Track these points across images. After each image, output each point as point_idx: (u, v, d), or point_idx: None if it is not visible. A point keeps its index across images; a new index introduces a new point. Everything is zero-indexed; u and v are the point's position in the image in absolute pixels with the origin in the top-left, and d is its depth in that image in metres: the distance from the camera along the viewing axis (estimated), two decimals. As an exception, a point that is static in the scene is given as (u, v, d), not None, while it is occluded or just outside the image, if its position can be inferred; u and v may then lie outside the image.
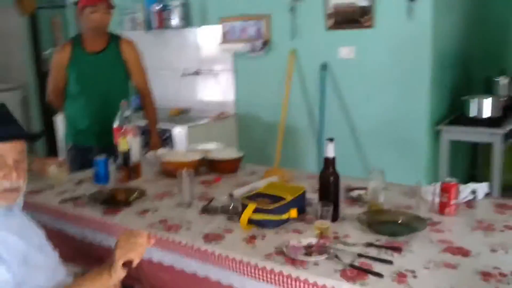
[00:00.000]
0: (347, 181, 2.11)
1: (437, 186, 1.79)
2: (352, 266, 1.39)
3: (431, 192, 1.83)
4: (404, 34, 3.12)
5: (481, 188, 1.91)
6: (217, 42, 3.98)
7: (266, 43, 3.69)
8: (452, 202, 1.74)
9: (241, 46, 3.79)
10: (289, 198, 1.74)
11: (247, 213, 1.66)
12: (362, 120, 3.42)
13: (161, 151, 2.62)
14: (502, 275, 1.32)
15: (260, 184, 1.97)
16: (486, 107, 3.33)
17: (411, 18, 3.06)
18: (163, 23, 4.19)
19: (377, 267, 1.39)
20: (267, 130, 3.86)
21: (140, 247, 1.37)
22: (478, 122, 3.30)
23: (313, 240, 1.54)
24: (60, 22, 5.80)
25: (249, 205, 1.68)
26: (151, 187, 2.17)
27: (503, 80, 3.75)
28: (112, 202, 1.97)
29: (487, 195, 1.93)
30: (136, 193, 2.03)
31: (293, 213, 1.71)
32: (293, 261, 1.43)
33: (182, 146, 3.52)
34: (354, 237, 1.60)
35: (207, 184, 2.22)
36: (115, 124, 2.31)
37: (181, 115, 4.18)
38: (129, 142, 2.30)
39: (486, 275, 1.32)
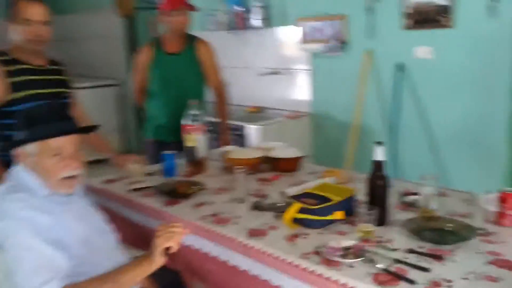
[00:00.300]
0: (406, 185, 2.08)
1: (496, 195, 1.70)
2: (386, 271, 1.39)
3: (490, 201, 1.75)
4: (485, 34, 2.95)
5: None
6: (295, 42, 4.03)
7: (343, 43, 3.67)
8: (509, 212, 1.65)
9: (318, 46, 3.80)
10: (336, 199, 1.75)
11: (291, 212, 1.70)
12: (438, 122, 3.29)
13: (228, 148, 2.73)
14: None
15: (313, 184, 2.00)
16: None
17: (493, 17, 2.89)
18: (244, 24, 4.31)
19: (413, 274, 1.37)
20: (341, 130, 3.83)
21: (176, 236, 1.48)
22: None
23: (352, 243, 1.55)
24: (155, 22, 6.17)
25: (294, 204, 1.72)
26: (212, 182, 2.28)
27: None
28: (174, 194, 2.10)
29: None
30: (196, 187, 2.15)
31: (339, 215, 1.73)
32: (328, 262, 1.46)
33: (254, 144, 3.61)
34: (397, 242, 1.58)
35: (264, 182, 2.28)
36: (184, 121, 2.46)
37: (258, 113, 4.29)
38: (195, 138, 2.43)
39: (529, 292, 1.25)
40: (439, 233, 1.61)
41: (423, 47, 3.25)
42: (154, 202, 2.06)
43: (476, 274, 1.35)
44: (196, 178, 2.36)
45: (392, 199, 1.93)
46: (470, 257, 1.46)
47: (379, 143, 1.71)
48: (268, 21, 4.19)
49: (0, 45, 2.31)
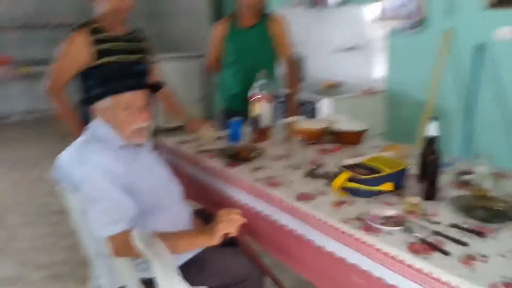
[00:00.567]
0: (469, 165, 2.04)
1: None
2: (423, 241, 1.42)
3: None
4: None
5: None
6: (373, 20, 3.97)
7: (421, 21, 3.56)
8: None
9: (396, 24, 3.72)
10: (386, 171, 1.78)
11: (340, 180, 1.77)
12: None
13: (294, 118, 2.81)
14: None
15: (368, 157, 2.03)
16: None
17: None
18: (324, 1, 4.31)
19: (449, 246, 1.39)
20: (416, 109, 3.75)
21: (236, 223, 1.60)
22: None
23: (395, 213, 1.59)
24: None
25: (343, 173, 1.78)
26: (273, 149, 2.38)
27: None
28: (235, 157, 2.24)
29: None
30: (256, 152, 2.27)
31: (388, 186, 1.76)
32: (367, 228, 1.51)
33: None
34: (442, 217, 1.59)
35: (325, 152, 2.35)
36: (252, 91, 2.57)
37: (333, 88, 4.30)
38: (261, 107, 2.53)
39: None
40: (487, 212, 1.60)
41: (507, 27, 3.08)
42: (216, 163, 2.20)
43: (515, 253, 1.35)
44: (259, 144, 2.47)
45: (449, 177, 1.95)
46: (515, 237, 1.45)
47: (434, 118, 1.71)
48: (348, -2, 4.16)
49: (89, 16, 2.55)
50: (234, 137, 2.55)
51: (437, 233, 1.47)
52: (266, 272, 1.82)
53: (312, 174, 2.00)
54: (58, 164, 1.79)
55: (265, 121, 2.56)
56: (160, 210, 1.79)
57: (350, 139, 2.46)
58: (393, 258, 1.38)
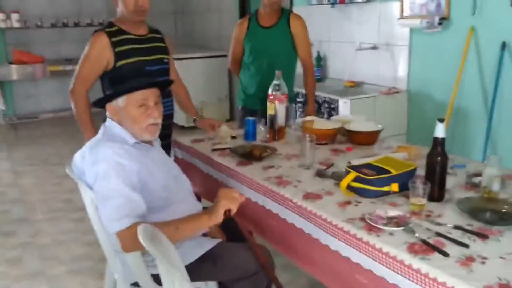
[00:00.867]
0: (479, 167, 2.03)
1: None
2: (423, 241, 1.43)
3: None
4: None
5: None
6: (395, 17, 3.94)
7: (444, 19, 3.52)
8: None
9: (418, 22, 3.69)
10: (394, 172, 1.79)
11: (347, 180, 1.79)
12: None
13: (308, 118, 2.83)
14: None
15: (378, 157, 2.04)
16: None
17: None
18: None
19: (450, 248, 1.40)
20: (438, 109, 3.71)
21: (235, 201, 1.67)
22: None
23: (399, 213, 1.60)
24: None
25: (350, 173, 1.80)
26: (286, 148, 2.41)
27: None
28: (248, 156, 2.27)
29: None
30: (269, 151, 2.30)
31: (394, 187, 1.77)
32: (370, 228, 1.53)
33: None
34: (447, 218, 1.60)
35: (337, 152, 2.36)
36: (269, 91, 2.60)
37: (354, 88, 4.29)
38: (276, 107, 2.57)
39: None
40: (493, 214, 1.60)
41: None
42: (229, 162, 2.25)
43: (516, 255, 1.34)
44: (273, 143, 2.50)
45: (459, 179, 1.94)
46: (518, 239, 1.44)
47: (441, 120, 1.71)
48: (371, -5, 4.14)
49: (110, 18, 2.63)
50: (249, 135, 2.59)
51: (439, 234, 1.47)
52: (266, 271, 1.85)
53: (321, 174, 2.03)
54: (73, 162, 1.87)
55: (280, 120, 2.60)
56: (170, 205, 1.85)
57: (363, 139, 2.47)
58: (393, 258, 1.40)
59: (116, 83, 1.79)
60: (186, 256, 1.85)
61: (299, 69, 3.29)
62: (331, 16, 4.65)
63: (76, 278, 2.85)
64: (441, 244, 1.42)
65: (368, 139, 2.47)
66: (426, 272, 1.30)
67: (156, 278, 1.77)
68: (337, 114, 3.82)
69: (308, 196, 1.80)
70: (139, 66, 2.38)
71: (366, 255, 1.48)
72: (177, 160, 2.67)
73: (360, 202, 1.74)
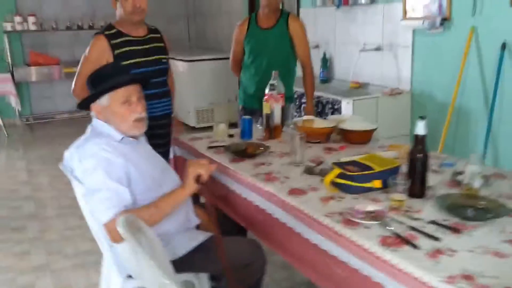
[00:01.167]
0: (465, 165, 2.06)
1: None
2: (396, 235, 1.47)
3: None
4: None
5: None
6: (398, 19, 3.96)
7: (445, 20, 3.54)
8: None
9: (420, 23, 3.71)
10: (377, 169, 1.84)
11: (331, 176, 1.83)
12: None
13: (305, 117, 2.88)
14: (550, 274, 1.24)
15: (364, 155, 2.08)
16: None
17: None
18: (349, 0, 4.36)
19: (422, 241, 1.44)
20: (441, 110, 3.72)
21: (204, 166, 1.82)
22: None
23: (377, 208, 1.64)
24: None
25: (334, 169, 1.84)
26: (280, 147, 2.47)
27: None
28: (241, 153, 2.34)
29: None
30: (261, 148, 2.36)
31: (377, 183, 1.81)
32: (347, 222, 1.58)
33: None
34: (425, 214, 1.63)
35: (330, 151, 2.41)
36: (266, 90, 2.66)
37: (359, 88, 4.32)
38: (271, 106, 2.62)
39: (529, 270, 1.26)
40: (470, 210, 1.62)
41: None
42: (223, 159, 2.31)
43: (484, 249, 1.38)
44: (268, 142, 2.56)
45: (445, 176, 1.97)
46: (490, 234, 1.47)
47: (422, 117, 1.75)
48: (375, -3, 4.17)
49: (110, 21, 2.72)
50: (245, 134, 2.65)
51: (413, 229, 1.51)
52: (226, 269, 1.84)
53: (309, 171, 2.08)
54: (64, 160, 1.96)
55: (276, 119, 2.65)
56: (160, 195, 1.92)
57: (357, 138, 2.51)
58: (365, 250, 1.44)
59: (96, 83, 1.88)
60: (179, 248, 1.92)
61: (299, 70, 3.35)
62: (336, 17, 4.69)
63: (79, 272, 2.94)
64: (414, 237, 1.46)
65: (361, 138, 2.51)
66: (395, 263, 1.34)
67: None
68: (340, 114, 3.85)
69: (293, 192, 1.85)
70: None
71: (342, 247, 1.53)
72: (175, 158, 2.75)
73: (343, 198, 1.79)
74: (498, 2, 3.18)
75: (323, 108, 4.08)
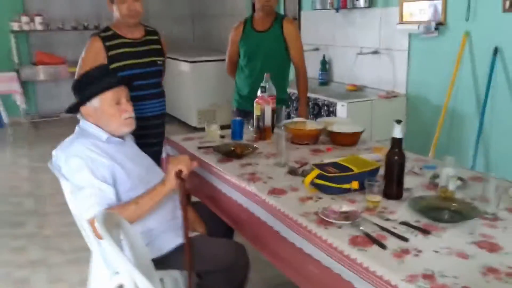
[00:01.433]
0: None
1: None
2: (366, 234, 1.52)
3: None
4: None
5: None
6: (395, 23, 4.00)
7: (440, 25, 3.57)
8: (521, 201, 1.63)
9: (416, 27, 3.74)
10: (356, 171, 1.88)
11: (310, 177, 1.88)
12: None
13: (296, 119, 2.92)
14: (509, 274, 1.28)
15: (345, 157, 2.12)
16: None
17: None
18: (347, 3, 4.40)
19: (390, 241, 1.48)
20: (436, 113, 3.75)
21: (184, 162, 1.88)
22: None
23: (351, 209, 1.69)
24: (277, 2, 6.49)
25: (314, 170, 1.89)
26: (268, 148, 2.52)
27: None
28: (229, 154, 2.39)
29: None
30: (249, 149, 2.41)
31: (354, 184, 1.86)
32: (321, 221, 1.63)
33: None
34: (398, 215, 1.67)
35: (317, 152, 2.46)
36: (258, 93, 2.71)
37: (355, 91, 4.36)
38: (262, 108, 2.68)
39: (490, 271, 1.30)
40: (442, 212, 1.67)
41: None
42: (210, 159, 2.37)
43: (449, 250, 1.42)
44: (258, 143, 2.61)
45: (424, 179, 2.02)
46: (459, 235, 1.51)
47: (398, 121, 1.79)
48: (373, 1, 4.20)
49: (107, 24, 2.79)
50: (236, 135, 2.70)
51: (383, 229, 1.56)
52: (189, 269, 1.91)
53: (293, 172, 2.13)
54: (52, 159, 2.02)
55: (266, 121, 2.70)
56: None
57: (344, 140, 2.55)
58: (335, 249, 1.49)
59: (84, 87, 1.94)
60: (164, 245, 1.98)
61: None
62: (336, 20, 4.73)
63: (74, 267, 3.02)
64: (383, 237, 1.51)
65: (348, 140, 2.56)
66: (361, 261, 1.39)
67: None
68: (335, 117, 3.90)
69: (273, 192, 1.90)
70: (126, 68, 2.52)
71: (315, 246, 1.58)
72: (168, 157, 2.81)
73: (321, 198, 1.84)
74: (491, 7, 3.21)
75: (319, 110, 4.13)
